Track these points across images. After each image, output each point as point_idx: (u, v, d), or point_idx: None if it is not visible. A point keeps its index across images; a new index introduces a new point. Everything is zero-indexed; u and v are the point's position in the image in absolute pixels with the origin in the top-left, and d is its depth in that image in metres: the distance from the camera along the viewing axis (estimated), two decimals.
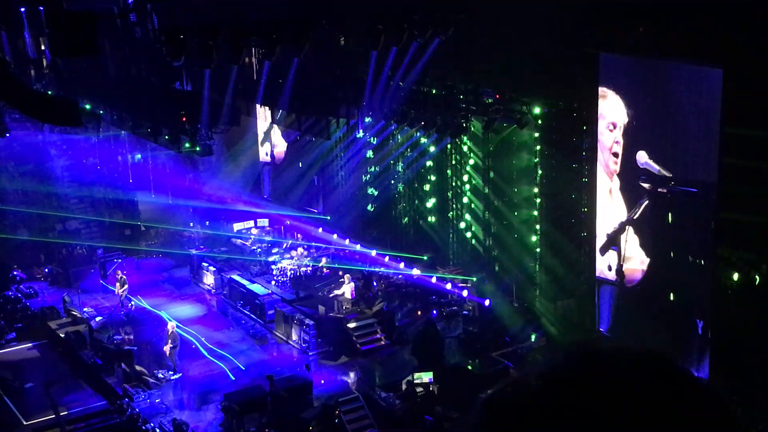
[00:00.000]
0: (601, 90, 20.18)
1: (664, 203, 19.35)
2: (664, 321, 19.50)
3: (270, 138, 35.09)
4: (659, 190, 19.28)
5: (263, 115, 33.93)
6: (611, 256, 20.94)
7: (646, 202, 19.84)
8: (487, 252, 26.83)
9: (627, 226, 20.39)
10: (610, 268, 21.00)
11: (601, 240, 21.19)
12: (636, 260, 20.38)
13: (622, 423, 1.26)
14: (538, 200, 24.15)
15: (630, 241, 20.47)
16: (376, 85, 24.50)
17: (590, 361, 1.35)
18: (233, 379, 22.34)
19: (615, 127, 20.30)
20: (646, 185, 19.48)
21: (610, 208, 20.94)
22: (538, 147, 23.80)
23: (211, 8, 22.62)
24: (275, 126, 34.20)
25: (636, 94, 19.57)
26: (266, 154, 35.44)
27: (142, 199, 34.96)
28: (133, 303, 27.11)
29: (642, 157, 19.82)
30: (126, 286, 27.06)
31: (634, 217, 20.17)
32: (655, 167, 19.53)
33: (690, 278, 19.11)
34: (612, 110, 20.11)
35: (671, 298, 19.58)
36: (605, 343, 1.39)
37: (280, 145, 34.83)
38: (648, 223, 19.87)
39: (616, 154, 20.45)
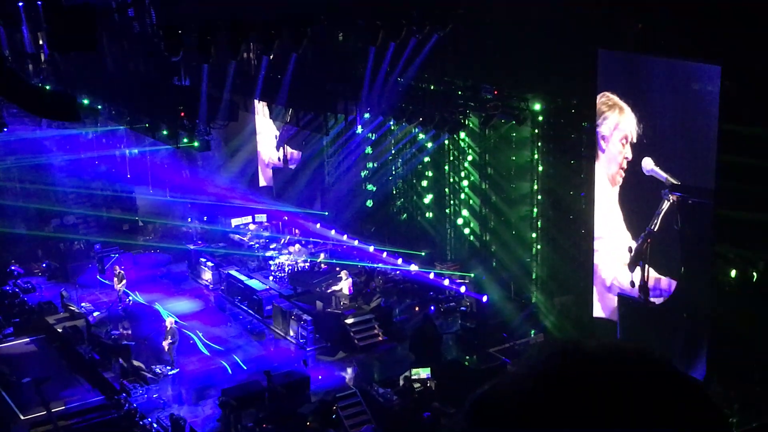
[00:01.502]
0: (615, 100, 19.71)
1: (687, 214, 18.51)
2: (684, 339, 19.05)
3: (284, 143, 34.79)
4: (689, 201, 18.32)
5: (262, 111, 33.88)
6: (636, 270, 20.06)
7: (663, 212, 19.08)
8: (485, 248, 26.85)
9: (648, 239, 19.63)
10: (633, 284, 20.16)
11: (616, 251, 20.46)
12: (660, 275, 19.55)
13: (608, 421, 1.26)
14: (537, 197, 24.15)
15: (652, 254, 19.68)
16: (374, 81, 24.48)
17: (576, 360, 1.34)
18: (230, 371, 22.32)
19: (627, 141, 19.79)
20: (672, 196, 18.68)
21: (612, 218, 20.47)
22: (537, 143, 23.80)
23: (210, 3, 22.59)
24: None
25: (637, 95, 19.31)
26: (279, 159, 35.17)
27: (139, 194, 34.94)
28: (130, 298, 27.09)
29: (647, 164, 19.32)
30: (124, 281, 27.05)
31: (655, 229, 19.42)
32: (662, 175, 18.98)
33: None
34: (627, 125, 19.59)
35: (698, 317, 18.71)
36: (593, 341, 1.39)
37: (297, 150, 34.60)
38: (668, 234, 19.07)
39: (623, 168, 20.02)
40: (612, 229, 20.70)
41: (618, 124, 19.84)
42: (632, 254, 20.13)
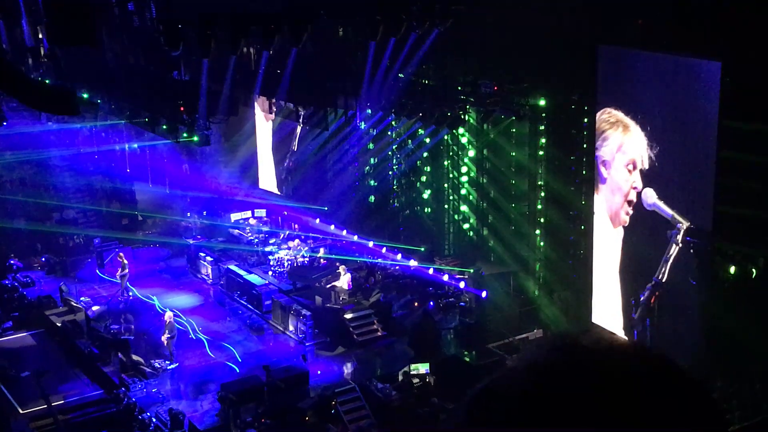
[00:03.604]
0: (619, 116, 18.33)
1: (700, 262, 16.24)
2: None
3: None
4: (707, 247, 15.65)
5: (261, 106, 33.84)
6: (641, 329, 17.87)
7: (672, 258, 16.80)
8: (485, 243, 26.85)
9: (657, 291, 17.50)
10: None
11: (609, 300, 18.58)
12: (669, 338, 17.65)
13: (608, 417, 1.25)
14: (536, 192, 24.14)
15: (660, 310, 17.52)
16: (374, 76, 24.47)
17: (577, 356, 1.34)
18: (237, 370, 22.31)
19: (635, 167, 17.55)
20: (678, 237, 16.32)
21: (610, 261, 18.74)
22: (537, 139, 23.78)
23: None
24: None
25: (636, 95, 18.83)
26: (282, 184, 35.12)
27: (139, 188, 34.92)
28: (131, 293, 27.09)
29: (649, 196, 17.25)
30: (126, 271, 27.06)
31: (663, 279, 17.28)
32: (667, 211, 16.81)
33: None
34: (634, 147, 17.52)
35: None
36: (593, 336, 1.38)
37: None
38: (680, 285, 16.79)
39: (630, 203, 17.73)
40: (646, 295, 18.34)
41: (622, 145, 18.21)
42: (641, 307, 17.87)
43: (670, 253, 16.98)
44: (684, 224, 16.71)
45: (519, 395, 1.30)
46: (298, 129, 33.63)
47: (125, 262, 27.21)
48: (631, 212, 17.87)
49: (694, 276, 16.74)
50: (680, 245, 16.74)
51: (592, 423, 1.25)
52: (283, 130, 34.26)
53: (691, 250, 16.49)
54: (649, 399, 1.28)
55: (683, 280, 16.97)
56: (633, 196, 17.68)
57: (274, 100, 30.75)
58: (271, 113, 33.77)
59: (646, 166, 17.20)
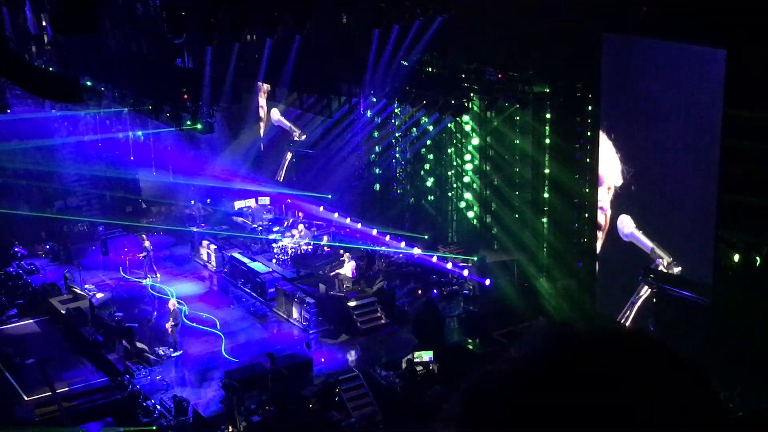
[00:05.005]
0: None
1: (667, 307, 14.35)
2: None
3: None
4: (675, 294, 13.61)
5: (265, 95, 33.81)
6: None
7: (640, 301, 14.96)
8: (488, 231, 26.85)
9: None
10: None
11: None
12: None
13: (604, 409, 1.24)
14: (540, 180, 24.12)
15: None
16: (378, 64, 24.43)
17: (572, 346, 1.32)
18: (234, 360, 22.39)
19: (601, 184, 15.69)
20: (647, 283, 14.33)
21: None
22: (540, 127, 23.76)
23: None
24: None
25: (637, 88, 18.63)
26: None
27: (143, 176, 34.95)
28: (146, 281, 27.15)
29: (626, 225, 15.58)
30: (147, 254, 27.15)
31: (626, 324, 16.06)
32: (646, 243, 15.08)
33: None
34: (602, 161, 15.70)
35: None
36: (587, 325, 1.37)
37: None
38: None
39: (598, 227, 15.83)
40: None
41: None
42: None
43: (639, 294, 15.26)
44: (665, 259, 15.04)
45: (515, 388, 1.29)
46: (288, 156, 33.77)
47: (147, 243, 27.34)
48: (601, 238, 15.91)
49: (653, 320, 14.93)
50: (653, 288, 15.02)
51: (586, 419, 1.23)
52: (288, 118, 34.32)
53: (654, 290, 14.43)
54: (646, 390, 1.26)
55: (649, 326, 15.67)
56: (601, 219, 15.82)
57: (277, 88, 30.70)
58: (275, 100, 33.79)
59: (618, 183, 15.61)
